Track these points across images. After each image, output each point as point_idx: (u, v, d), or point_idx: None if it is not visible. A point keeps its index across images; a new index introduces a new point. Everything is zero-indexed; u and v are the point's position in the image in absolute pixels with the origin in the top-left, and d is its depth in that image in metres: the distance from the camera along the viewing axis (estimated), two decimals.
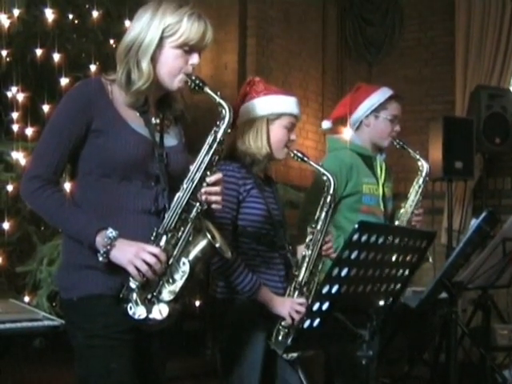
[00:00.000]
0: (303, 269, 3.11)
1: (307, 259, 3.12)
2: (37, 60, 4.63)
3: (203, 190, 2.46)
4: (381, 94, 3.85)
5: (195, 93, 2.56)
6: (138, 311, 2.37)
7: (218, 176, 2.49)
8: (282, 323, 3.05)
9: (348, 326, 2.48)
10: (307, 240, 3.16)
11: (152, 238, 2.42)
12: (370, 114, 3.83)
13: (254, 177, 3.14)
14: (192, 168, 2.47)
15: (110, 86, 2.53)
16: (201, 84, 2.50)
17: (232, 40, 6.86)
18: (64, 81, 4.62)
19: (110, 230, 2.36)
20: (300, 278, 3.11)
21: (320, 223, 3.15)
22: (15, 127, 4.54)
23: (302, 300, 3.04)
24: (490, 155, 6.79)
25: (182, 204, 2.44)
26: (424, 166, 3.84)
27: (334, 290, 2.40)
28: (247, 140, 3.13)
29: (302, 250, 3.17)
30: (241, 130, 3.15)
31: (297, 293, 3.09)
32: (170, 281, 2.41)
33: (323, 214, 3.15)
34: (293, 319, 3.01)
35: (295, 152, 3.19)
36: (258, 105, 3.16)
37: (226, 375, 3.11)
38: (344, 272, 2.38)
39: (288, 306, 3.03)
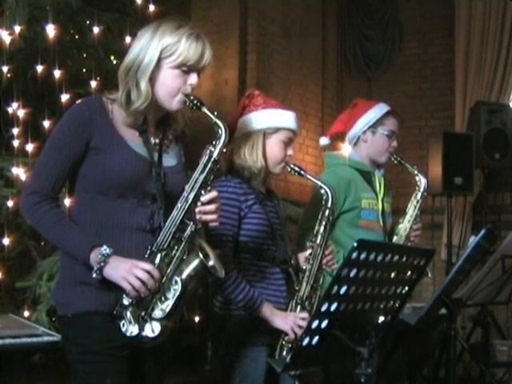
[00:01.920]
0: (304, 283, 3.12)
1: (308, 273, 3.13)
2: (37, 76, 4.63)
3: (198, 209, 2.47)
4: (378, 110, 3.86)
5: (193, 112, 2.58)
6: (131, 328, 2.40)
7: (212, 194, 2.50)
8: (286, 338, 3.06)
9: (347, 343, 2.48)
10: (307, 254, 3.17)
11: (146, 255, 2.44)
12: (368, 129, 3.84)
13: (255, 192, 3.14)
14: (186, 187, 2.49)
15: (111, 105, 2.55)
16: (198, 104, 2.52)
17: (232, 55, 6.88)
18: (65, 97, 4.61)
19: (105, 247, 2.39)
20: (301, 293, 3.11)
21: (319, 237, 3.16)
22: (16, 143, 4.53)
23: (305, 314, 3.04)
24: (489, 170, 6.80)
25: (176, 223, 2.46)
26: (422, 181, 3.85)
27: (333, 307, 2.39)
28: (243, 153, 3.13)
29: (303, 259, 3.19)
30: (237, 143, 3.16)
31: (299, 308, 3.09)
32: (163, 299, 2.44)
33: (322, 228, 3.17)
34: (296, 334, 3.00)
35: (292, 166, 3.20)
36: (256, 118, 3.16)
37: None
38: (343, 290, 2.37)
39: (290, 320, 3.03)
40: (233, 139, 3.15)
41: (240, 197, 3.08)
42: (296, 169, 3.19)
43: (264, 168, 3.15)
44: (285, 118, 3.20)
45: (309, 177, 3.21)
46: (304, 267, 3.15)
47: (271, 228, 3.14)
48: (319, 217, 3.20)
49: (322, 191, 3.19)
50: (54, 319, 4.02)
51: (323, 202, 3.20)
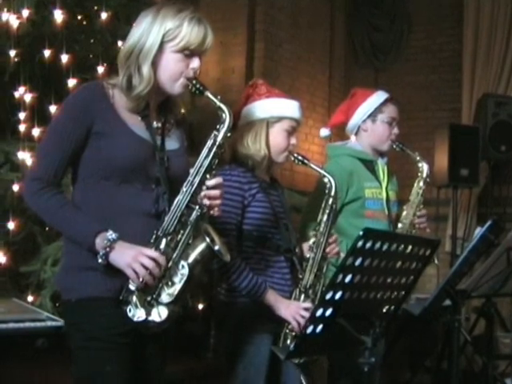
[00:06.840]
0: (307, 272, 3.12)
1: (311, 262, 3.13)
2: (45, 61, 4.62)
3: (203, 193, 2.46)
4: (376, 98, 3.85)
5: (196, 96, 2.57)
6: (138, 313, 2.39)
7: (218, 180, 2.50)
8: (289, 327, 3.06)
9: (351, 332, 2.48)
10: (310, 243, 3.17)
11: (152, 240, 2.43)
12: (367, 118, 3.82)
13: (259, 181, 3.14)
14: (192, 171, 2.47)
15: (112, 90, 2.54)
16: (201, 88, 2.51)
17: (240, 44, 6.88)
18: (71, 82, 4.60)
19: (110, 232, 2.38)
20: (305, 281, 3.12)
21: (322, 225, 3.16)
22: (22, 127, 4.53)
23: (308, 304, 3.04)
24: (495, 163, 6.80)
25: (182, 207, 2.44)
26: (424, 167, 3.85)
27: (337, 296, 2.39)
28: (246, 142, 3.14)
29: (307, 248, 3.19)
30: (241, 132, 3.16)
31: (303, 296, 3.10)
32: (169, 283, 2.42)
33: (325, 217, 3.17)
34: (299, 323, 3.01)
35: (295, 155, 3.20)
36: (259, 107, 3.17)
37: (231, 377, 3.12)
38: (348, 278, 2.37)
39: (293, 310, 3.04)
40: (236, 128, 3.15)
41: (244, 185, 3.08)
42: (299, 158, 3.20)
43: (267, 157, 3.15)
44: (288, 107, 3.21)
45: (312, 165, 3.21)
46: (308, 256, 3.15)
47: (275, 216, 3.15)
48: (322, 205, 3.20)
49: (326, 180, 3.20)
50: (57, 304, 4.02)
51: (326, 191, 3.20)
